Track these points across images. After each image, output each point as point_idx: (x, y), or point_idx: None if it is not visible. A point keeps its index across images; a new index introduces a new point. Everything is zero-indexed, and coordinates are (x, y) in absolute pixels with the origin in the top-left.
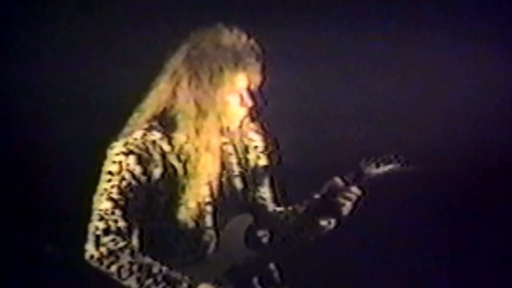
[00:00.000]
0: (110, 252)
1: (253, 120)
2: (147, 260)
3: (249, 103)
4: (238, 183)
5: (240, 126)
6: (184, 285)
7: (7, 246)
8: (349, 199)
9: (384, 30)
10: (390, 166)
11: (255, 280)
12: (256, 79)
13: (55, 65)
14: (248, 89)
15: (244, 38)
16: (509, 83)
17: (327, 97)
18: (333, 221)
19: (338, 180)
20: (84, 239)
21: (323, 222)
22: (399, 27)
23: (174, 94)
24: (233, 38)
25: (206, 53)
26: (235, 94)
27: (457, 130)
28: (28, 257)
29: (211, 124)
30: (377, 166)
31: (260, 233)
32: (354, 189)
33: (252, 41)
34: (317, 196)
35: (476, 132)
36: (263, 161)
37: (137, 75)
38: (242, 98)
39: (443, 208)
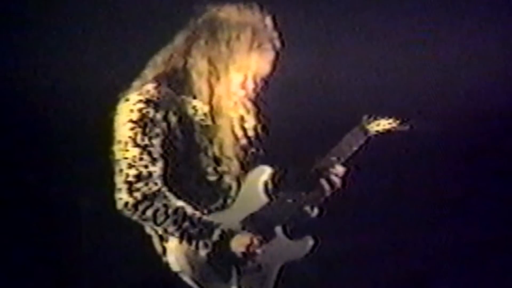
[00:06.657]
0: (145, 197)
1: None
2: (180, 203)
3: (250, 86)
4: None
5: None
6: (219, 231)
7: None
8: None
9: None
10: (390, 124)
11: (278, 229)
12: (266, 66)
13: (67, 21)
14: (254, 74)
15: (269, 25)
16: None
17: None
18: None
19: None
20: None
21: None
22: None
23: (188, 52)
24: (257, 19)
25: (229, 21)
26: (241, 73)
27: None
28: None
29: (222, 86)
30: (378, 124)
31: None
32: (339, 168)
33: (275, 32)
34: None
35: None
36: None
37: (151, 35)
38: (245, 80)
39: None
